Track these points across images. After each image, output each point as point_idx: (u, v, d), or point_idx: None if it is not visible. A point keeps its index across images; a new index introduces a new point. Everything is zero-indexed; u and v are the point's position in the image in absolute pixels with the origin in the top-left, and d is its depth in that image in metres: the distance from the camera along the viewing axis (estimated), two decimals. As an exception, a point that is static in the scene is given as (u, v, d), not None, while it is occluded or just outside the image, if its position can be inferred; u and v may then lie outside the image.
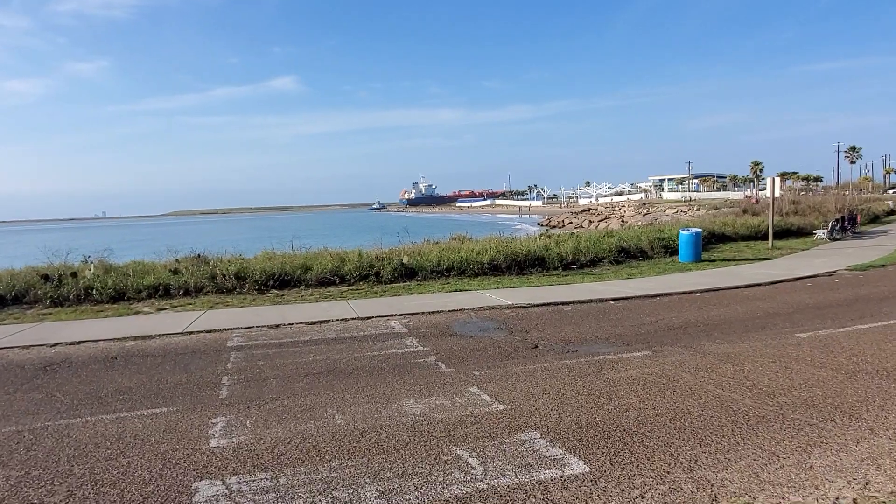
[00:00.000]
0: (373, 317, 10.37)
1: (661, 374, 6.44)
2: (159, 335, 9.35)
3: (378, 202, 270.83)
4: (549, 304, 11.20)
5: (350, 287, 14.67)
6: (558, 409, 5.41)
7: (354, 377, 6.77)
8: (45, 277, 14.49)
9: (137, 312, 12.29)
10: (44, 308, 13.31)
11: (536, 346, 8.01)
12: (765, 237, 23.33)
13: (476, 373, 6.79)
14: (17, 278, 14.53)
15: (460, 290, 13.41)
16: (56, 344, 8.94)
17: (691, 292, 12.35)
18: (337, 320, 10.14)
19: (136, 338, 9.21)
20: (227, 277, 14.66)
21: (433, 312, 10.62)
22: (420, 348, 8.07)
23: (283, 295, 13.82)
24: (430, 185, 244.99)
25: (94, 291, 13.85)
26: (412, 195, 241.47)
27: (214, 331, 9.58)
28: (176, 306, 12.77)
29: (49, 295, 13.70)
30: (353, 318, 10.29)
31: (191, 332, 9.51)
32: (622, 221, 64.83)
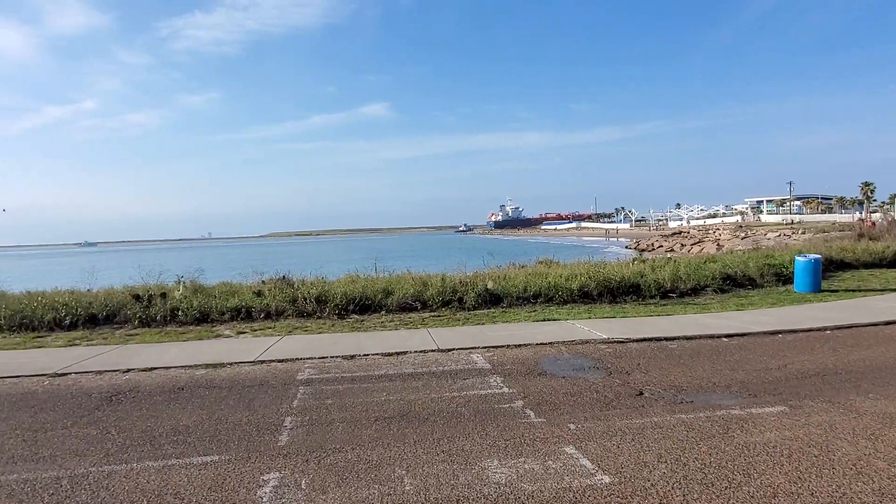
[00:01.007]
0: (454, 349, 9.51)
1: (809, 441, 5.13)
2: (231, 363, 8.91)
3: (465, 225, 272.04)
4: (650, 339, 9.92)
5: (432, 313, 13.93)
6: (682, 489, 4.28)
7: (430, 425, 5.90)
8: (137, 297, 14.73)
9: (218, 335, 12.07)
10: (132, 328, 13.44)
11: (641, 393, 6.84)
12: (891, 264, 20.64)
13: (571, 426, 5.74)
14: (112, 297, 14.86)
15: (548, 320, 12.32)
16: (129, 370, 8.69)
17: (820, 329, 10.65)
18: (415, 352, 9.36)
19: (207, 366, 8.82)
20: (307, 301, 14.33)
21: (520, 346, 9.62)
22: (505, 390, 7.11)
23: (362, 321, 13.26)
24: (517, 208, 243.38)
25: (179, 313, 13.88)
26: (499, 217, 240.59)
27: (286, 360, 9.04)
28: (256, 330, 12.48)
29: (138, 315, 13.86)
30: (432, 350, 9.47)
31: (262, 362, 9.02)
32: (718, 245, 60.85)
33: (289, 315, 14.08)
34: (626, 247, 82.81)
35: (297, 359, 9.12)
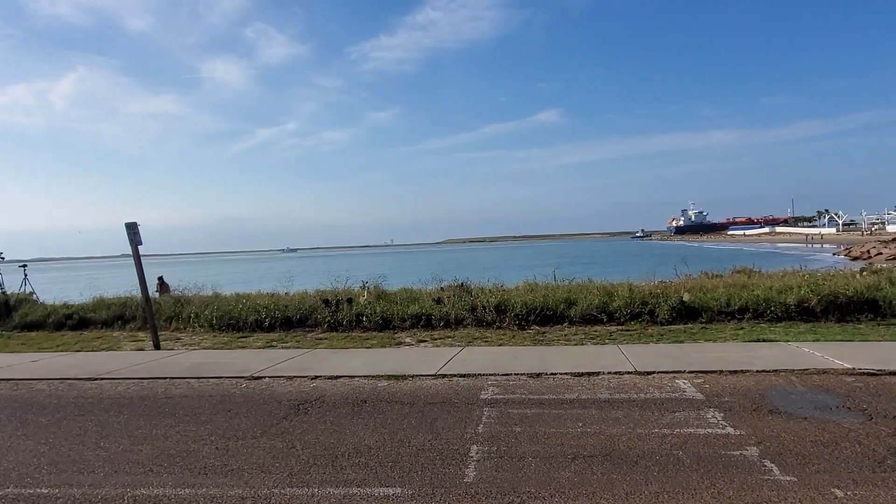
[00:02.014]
0: (654, 372, 8.30)
1: None
2: (412, 376, 8.60)
3: (642, 230, 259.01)
4: (915, 372, 7.84)
5: (619, 327, 12.68)
6: None
7: (642, 471, 4.90)
8: (326, 302, 15.35)
9: (399, 343, 12.01)
10: (322, 332, 13.96)
11: (926, 450, 5.19)
12: None
13: (837, 492, 4.39)
14: (305, 302, 15.66)
15: (763, 341, 10.49)
16: (316, 377, 8.74)
17: None
18: (608, 373, 8.31)
19: (388, 377, 8.59)
20: (486, 310, 13.85)
21: (735, 372, 8.13)
22: (730, 430, 5.83)
23: (544, 333, 12.44)
24: (701, 212, 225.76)
25: (364, 318, 14.17)
26: (681, 222, 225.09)
27: (468, 375, 8.50)
28: (436, 339, 12.24)
29: (327, 320, 14.40)
30: (628, 373, 8.35)
31: (444, 375, 8.58)
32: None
33: (468, 324, 13.71)
34: (835, 254, 72.56)
35: (479, 374, 8.55)
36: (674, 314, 13.00)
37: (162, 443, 6.19)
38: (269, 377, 8.90)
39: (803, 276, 15.26)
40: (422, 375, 8.61)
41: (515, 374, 8.45)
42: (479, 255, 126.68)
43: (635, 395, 7.20)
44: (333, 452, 5.59)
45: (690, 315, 13.07)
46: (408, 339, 12.42)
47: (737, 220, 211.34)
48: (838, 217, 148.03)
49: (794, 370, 8.12)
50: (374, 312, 14.28)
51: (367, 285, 18.35)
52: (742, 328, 11.94)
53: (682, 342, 10.69)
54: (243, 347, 12.06)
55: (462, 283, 17.38)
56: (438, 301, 15.06)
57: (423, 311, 14.20)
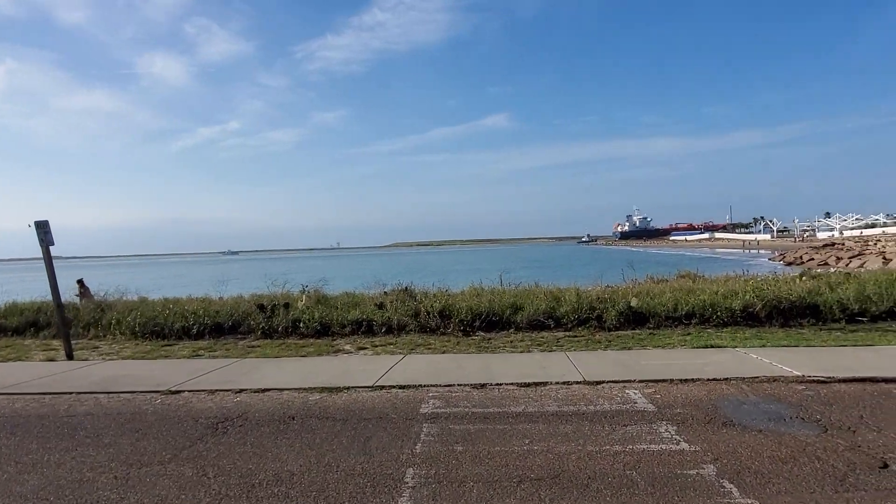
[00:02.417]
0: (603, 381, 7.91)
1: None
2: (347, 388, 7.94)
3: (588, 235, 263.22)
4: (863, 379, 7.70)
5: (567, 333, 12.34)
6: None
7: (593, 495, 4.43)
8: (261, 307, 14.47)
9: (338, 351, 11.32)
10: (255, 339, 13.09)
11: (886, 465, 4.92)
12: None
13: (803, 517, 4.02)
14: (239, 307, 14.72)
15: (712, 346, 10.32)
16: (241, 391, 7.97)
17: None
18: (556, 383, 7.88)
19: (322, 389, 7.90)
20: (430, 315, 13.28)
21: (686, 381, 7.83)
22: (685, 446, 5.45)
23: (489, 339, 11.98)
24: (646, 218, 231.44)
25: (301, 325, 13.37)
26: (626, 228, 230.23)
27: (408, 387, 7.91)
28: (377, 346, 11.61)
29: (261, 326, 13.52)
30: (577, 382, 7.94)
31: (382, 387, 7.96)
32: (884, 259, 53.02)
33: (411, 330, 13.11)
34: (770, 259, 75.39)
35: (420, 385, 7.97)
36: (622, 319, 12.75)
37: (53, 471, 5.36)
38: (188, 391, 8.07)
39: (747, 280, 15.36)
40: (358, 387, 7.97)
41: (458, 385, 7.92)
42: (427, 259, 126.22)
43: (584, 408, 6.77)
44: (250, 481, 4.90)
45: (638, 320, 12.86)
46: (347, 347, 11.75)
47: (679, 225, 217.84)
48: (773, 224, 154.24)
49: (744, 378, 7.88)
50: (313, 318, 13.51)
51: (307, 289, 17.56)
52: (689, 333, 11.79)
53: (630, 349, 10.40)
54: (166, 357, 11.10)
55: (406, 288, 16.79)
56: (381, 306, 14.43)
57: (365, 316, 13.53)
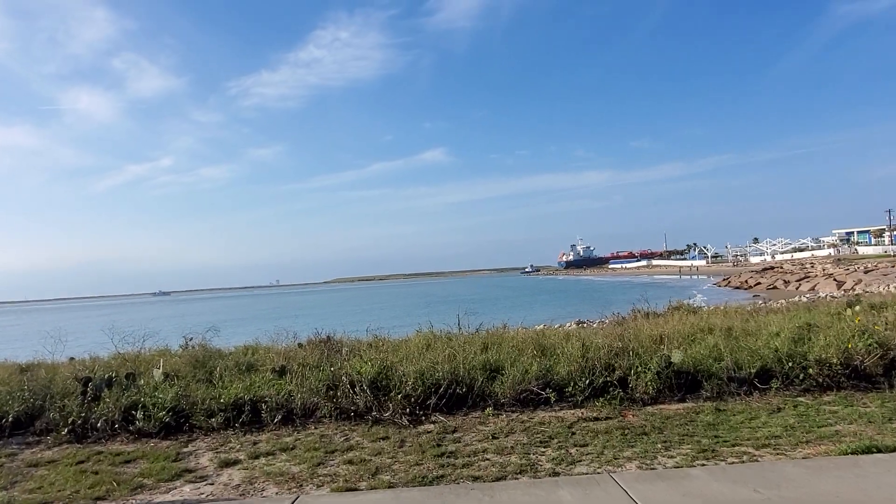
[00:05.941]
0: None
1: None
2: None
3: (531, 265, 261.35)
4: None
5: (579, 412, 7.54)
6: None
7: None
8: (84, 382, 8.94)
9: (183, 473, 6.17)
10: (54, 444, 7.64)
11: None
12: None
13: None
14: (56, 380, 9.22)
15: (873, 450, 5.68)
16: None
17: None
18: None
19: None
20: (356, 389, 8.16)
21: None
22: None
23: (454, 432, 7.05)
24: (589, 247, 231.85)
25: (139, 413, 7.93)
26: (570, 257, 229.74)
27: None
28: (258, 455, 6.53)
29: (70, 419, 8.03)
30: None
31: None
32: (836, 282, 50.88)
33: (324, 416, 7.96)
34: (717, 284, 73.71)
35: None
36: (660, 385, 8.04)
37: None
38: None
39: (821, 310, 11.01)
40: None
41: None
42: (366, 294, 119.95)
43: None
44: None
45: (684, 385, 8.18)
46: (204, 461, 6.56)
47: (620, 253, 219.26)
48: (707, 250, 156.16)
49: None
50: (163, 400, 8.13)
51: (191, 342, 12.23)
52: (781, 409, 7.20)
53: (714, 451, 5.64)
54: None
55: (328, 338, 11.73)
56: (281, 372, 9.23)
57: (252, 393, 8.29)
